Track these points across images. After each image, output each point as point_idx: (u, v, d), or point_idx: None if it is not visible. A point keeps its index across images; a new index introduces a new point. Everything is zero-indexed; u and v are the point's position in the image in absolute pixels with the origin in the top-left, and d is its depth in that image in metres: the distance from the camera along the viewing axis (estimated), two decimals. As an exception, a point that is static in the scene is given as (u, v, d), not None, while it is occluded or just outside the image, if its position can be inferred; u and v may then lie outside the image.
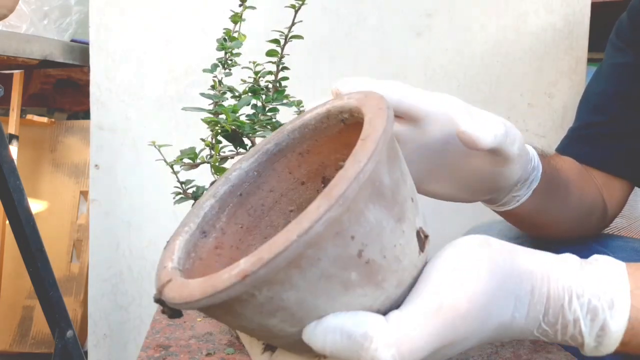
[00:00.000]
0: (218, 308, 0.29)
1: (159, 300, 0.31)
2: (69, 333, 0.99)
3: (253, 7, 0.58)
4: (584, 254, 0.78)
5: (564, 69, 1.14)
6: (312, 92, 1.09)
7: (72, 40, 1.37)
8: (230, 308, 0.28)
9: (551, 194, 0.63)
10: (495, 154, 0.47)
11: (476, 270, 0.33)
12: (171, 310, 0.32)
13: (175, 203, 0.55)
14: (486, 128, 0.43)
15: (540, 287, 0.36)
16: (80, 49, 1.25)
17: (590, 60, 1.18)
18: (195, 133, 1.14)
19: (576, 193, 0.71)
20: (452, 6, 1.11)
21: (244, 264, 0.26)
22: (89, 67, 1.10)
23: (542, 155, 0.60)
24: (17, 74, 1.48)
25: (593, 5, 1.14)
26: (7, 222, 0.97)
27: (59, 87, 1.66)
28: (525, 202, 0.58)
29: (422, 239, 0.34)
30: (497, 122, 0.45)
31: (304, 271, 0.27)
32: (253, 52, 0.60)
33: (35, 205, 1.57)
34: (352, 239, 0.28)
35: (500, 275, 0.34)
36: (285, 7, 0.58)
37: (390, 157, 0.31)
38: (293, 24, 0.58)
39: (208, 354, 0.57)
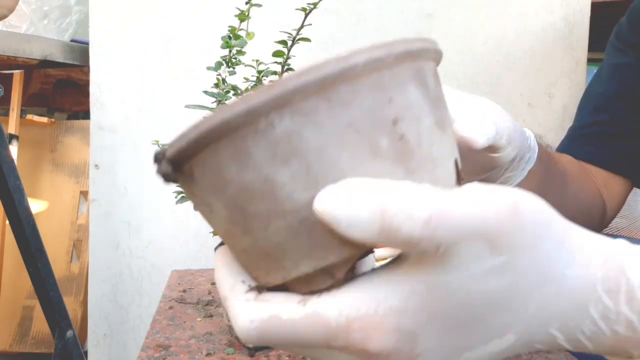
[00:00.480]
0: (227, 144, 0.25)
1: (158, 154, 0.27)
2: (69, 333, 0.99)
3: (259, 5, 0.58)
4: None
5: (564, 69, 1.14)
6: (312, 92, 1.09)
7: (72, 40, 1.37)
8: (241, 145, 0.25)
9: (548, 181, 0.63)
10: (488, 148, 0.48)
11: (528, 196, 0.27)
12: (171, 164, 0.27)
13: (177, 203, 0.55)
14: (480, 132, 0.44)
15: (593, 246, 0.29)
16: (80, 49, 1.25)
17: (590, 60, 1.18)
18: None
19: (574, 186, 0.72)
20: (452, 6, 1.11)
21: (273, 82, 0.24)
22: (89, 67, 1.10)
23: (540, 144, 0.61)
24: (17, 74, 1.48)
25: (593, 5, 1.14)
26: (7, 222, 0.97)
27: (59, 87, 1.66)
28: (520, 186, 0.58)
29: (458, 171, 0.30)
30: (489, 124, 0.45)
31: (333, 109, 0.24)
32: (257, 52, 0.60)
33: (35, 205, 1.57)
34: (390, 101, 0.25)
35: (549, 215, 0.27)
36: (296, 9, 0.58)
37: (437, 81, 0.29)
38: (302, 26, 0.58)
39: (208, 354, 0.57)
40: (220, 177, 0.26)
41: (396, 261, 0.26)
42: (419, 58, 0.27)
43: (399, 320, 0.25)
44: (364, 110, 0.25)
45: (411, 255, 0.25)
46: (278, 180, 0.25)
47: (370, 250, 0.27)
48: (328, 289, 0.26)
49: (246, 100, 0.24)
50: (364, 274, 0.26)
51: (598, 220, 0.80)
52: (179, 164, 0.27)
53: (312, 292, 0.26)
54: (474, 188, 0.25)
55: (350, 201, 0.24)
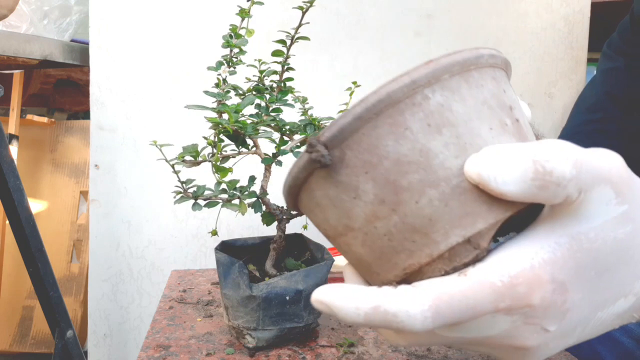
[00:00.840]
0: (386, 119, 0.29)
1: (312, 140, 0.30)
2: (69, 333, 0.99)
3: (261, 3, 0.58)
4: None
5: (564, 69, 1.14)
6: (312, 92, 1.09)
7: (72, 40, 1.37)
8: (400, 119, 0.29)
9: None
10: None
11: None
12: (327, 144, 0.29)
13: (175, 202, 0.55)
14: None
15: None
16: (80, 49, 1.25)
17: (590, 60, 1.18)
18: (195, 133, 1.15)
19: None
20: (452, 6, 1.11)
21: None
22: (89, 67, 1.10)
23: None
24: (17, 74, 1.48)
25: (593, 5, 1.14)
26: (7, 222, 0.97)
27: (59, 87, 1.66)
28: None
29: None
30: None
31: (471, 89, 0.30)
32: (256, 52, 0.60)
33: (35, 205, 1.57)
34: (504, 92, 0.31)
35: None
36: (293, 8, 0.58)
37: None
38: (300, 25, 0.58)
39: (208, 354, 0.57)
40: (376, 153, 0.29)
41: (530, 227, 0.30)
42: (508, 70, 0.34)
43: (552, 270, 0.28)
44: (491, 93, 0.30)
45: (549, 210, 0.30)
46: (432, 149, 0.28)
47: (510, 218, 0.29)
48: (472, 261, 0.29)
49: (409, 74, 0.29)
50: (503, 243, 0.30)
51: None
52: (331, 148, 0.30)
53: (455, 269, 0.29)
54: (593, 149, 0.30)
55: (502, 158, 0.27)
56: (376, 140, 0.29)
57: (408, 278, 0.30)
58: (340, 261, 0.82)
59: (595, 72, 0.91)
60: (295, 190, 0.32)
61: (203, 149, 0.56)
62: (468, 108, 0.29)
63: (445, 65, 0.29)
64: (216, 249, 0.61)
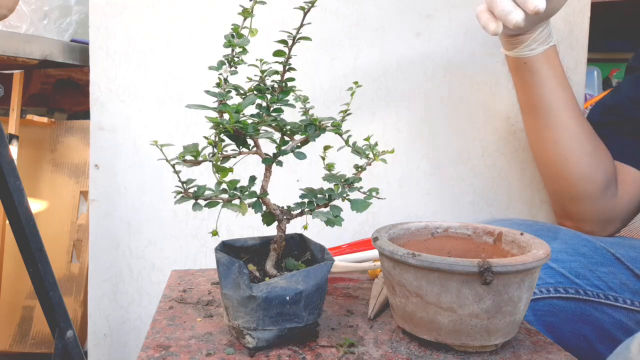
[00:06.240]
0: (522, 277, 0.55)
1: (484, 267, 0.51)
2: (69, 333, 0.99)
3: (263, 2, 0.58)
4: (581, 246, 0.82)
5: (564, 68, 1.14)
6: (311, 91, 1.09)
7: (72, 40, 1.37)
8: (524, 278, 0.56)
9: (559, 77, 0.87)
10: None
11: None
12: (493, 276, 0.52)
13: (176, 202, 0.55)
14: None
15: None
16: (80, 49, 1.25)
17: (590, 60, 1.18)
18: (196, 133, 1.14)
19: (584, 127, 0.87)
20: (452, 6, 1.11)
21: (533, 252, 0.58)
22: (89, 67, 1.10)
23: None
24: (17, 74, 1.48)
25: (593, 5, 1.14)
26: (7, 222, 0.97)
27: (59, 87, 1.66)
28: (535, 59, 0.84)
29: None
30: None
31: (521, 283, 0.56)
32: (257, 52, 0.60)
33: (35, 205, 1.57)
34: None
35: None
36: (294, 8, 0.58)
37: None
38: (302, 25, 0.58)
39: (208, 354, 0.57)
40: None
41: None
42: None
43: None
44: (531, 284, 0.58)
45: None
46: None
47: None
48: None
49: (522, 261, 0.54)
50: None
51: (608, 183, 0.87)
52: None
53: None
54: None
55: None
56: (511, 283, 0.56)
57: None
58: (340, 261, 0.81)
59: (595, 72, 0.92)
60: None
61: (204, 148, 0.56)
62: (521, 291, 0.57)
63: (517, 270, 0.55)
64: (216, 249, 0.61)
